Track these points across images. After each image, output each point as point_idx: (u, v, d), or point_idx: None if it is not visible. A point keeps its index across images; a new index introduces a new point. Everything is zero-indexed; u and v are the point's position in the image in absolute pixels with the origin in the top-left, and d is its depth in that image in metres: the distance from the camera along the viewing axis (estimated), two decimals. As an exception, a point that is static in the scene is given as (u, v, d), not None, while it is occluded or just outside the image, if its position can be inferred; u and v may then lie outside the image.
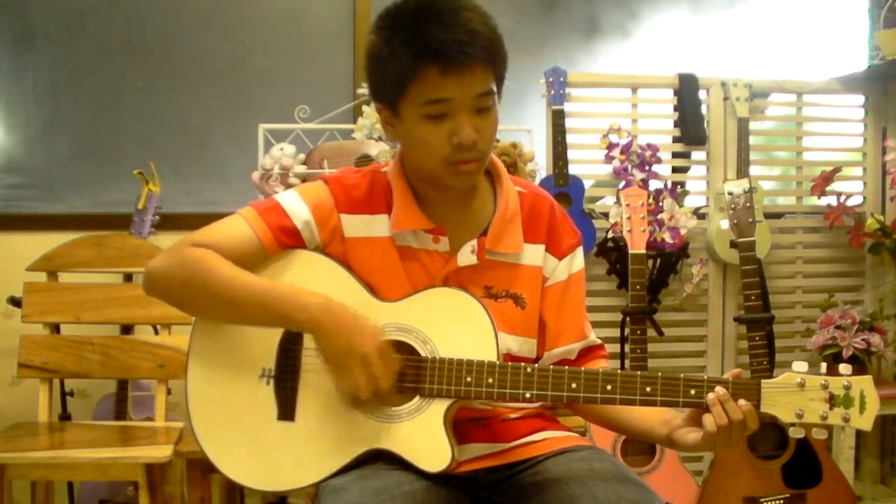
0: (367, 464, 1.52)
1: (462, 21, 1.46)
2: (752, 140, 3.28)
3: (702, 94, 3.31)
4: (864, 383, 1.43)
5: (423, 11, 1.47)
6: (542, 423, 1.69)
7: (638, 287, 2.83)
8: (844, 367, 1.44)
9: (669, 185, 3.20)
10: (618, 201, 3.01)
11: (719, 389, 1.44)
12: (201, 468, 2.50)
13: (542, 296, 1.67)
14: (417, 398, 1.52)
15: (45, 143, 3.43)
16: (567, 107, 3.19)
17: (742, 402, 1.44)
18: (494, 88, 1.52)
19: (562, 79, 3.15)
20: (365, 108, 3.09)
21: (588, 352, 1.71)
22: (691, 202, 3.34)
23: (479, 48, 1.46)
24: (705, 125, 3.31)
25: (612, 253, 3.18)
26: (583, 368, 1.52)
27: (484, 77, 1.49)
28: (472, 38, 1.45)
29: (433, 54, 1.44)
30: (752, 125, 3.31)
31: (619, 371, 1.50)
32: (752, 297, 2.80)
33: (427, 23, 1.45)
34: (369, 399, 1.47)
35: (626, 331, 2.92)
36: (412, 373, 1.51)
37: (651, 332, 3.04)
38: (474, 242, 1.61)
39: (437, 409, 1.51)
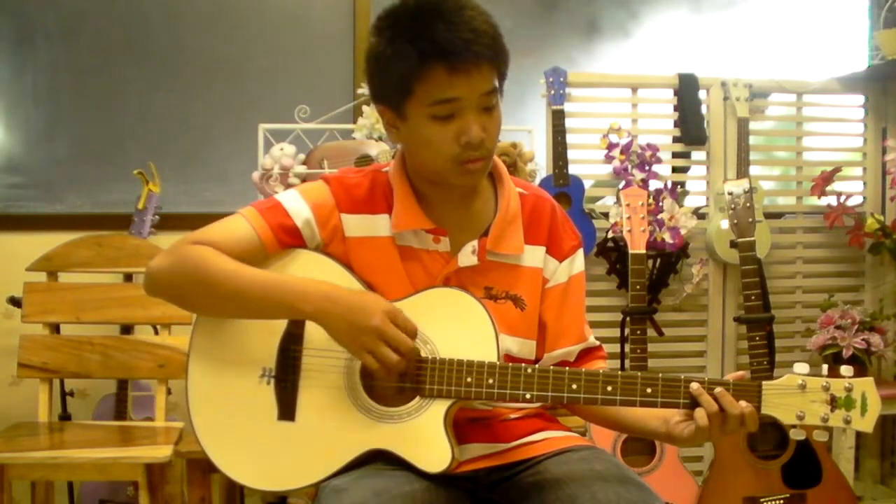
0: (367, 464, 1.52)
1: (466, 19, 1.45)
2: (752, 140, 3.28)
3: (702, 94, 3.31)
4: (866, 385, 1.43)
5: (427, 11, 1.46)
6: (542, 423, 1.69)
7: (638, 287, 2.83)
8: (846, 369, 1.44)
9: (669, 185, 3.20)
10: (618, 201, 3.01)
11: (718, 389, 1.44)
12: (201, 468, 2.50)
13: (542, 297, 1.67)
14: (417, 398, 1.52)
15: (45, 143, 3.43)
16: (567, 107, 3.19)
17: (743, 403, 1.44)
18: (498, 86, 1.52)
19: (562, 79, 3.15)
20: (365, 108, 3.09)
21: (586, 353, 1.71)
22: (691, 202, 3.34)
23: (485, 46, 1.46)
24: (705, 125, 3.31)
25: (612, 253, 3.18)
26: (583, 369, 1.52)
27: (489, 75, 1.49)
28: (477, 37, 1.45)
29: (440, 54, 1.44)
30: (752, 125, 3.30)
31: (619, 372, 1.50)
32: (752, 297, 2.80)
33: (432, 22, 1.45)
34: (401, 363, 1.46)
35: (626, 331, 2.92)
36: (413, 373, 1.51)
37: (651, 332, 3.04)
38: (475, 243, 1.61)
39: (437, 410, 1.51)
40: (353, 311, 1.47)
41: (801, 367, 1.46)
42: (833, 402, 1.43)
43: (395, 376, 1.50)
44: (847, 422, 1.43)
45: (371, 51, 1.53)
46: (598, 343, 1.74)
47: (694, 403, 1.45)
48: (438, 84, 1.46)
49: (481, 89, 1.49)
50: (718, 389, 1.44)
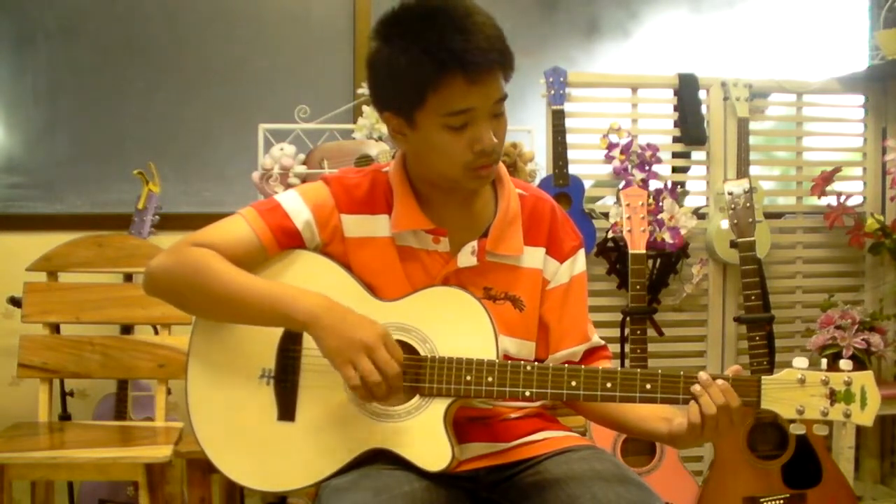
0: (367, 464, 1.52)
1: (479, 27, 1.44)
2: (752, 140, 3.28)
3: (702, 94, 3.31)
4: (865, 379, 1.43)
5: (438, 18, 1.44)
6: (543, 422, 1.69)
7: (638, 287, 2.83)
8: (845, 363, 1.44)
9: (669, 185, 3.20)
10: (618, 201, 3.01)
11: (702, 375, 1.43)
12: (201, 468, 2.50)
13: (544, 298, 1.66)
14: (417, 397, 1.52)
15: (45, 143, 3.43)
16: (567, 107, 3.19)
17: (720, 381, 1.43)
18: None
19: (562, 79, 3.15)
20: (365, 108, 3.09)
21: (591, 353, 1.71)
22: (691, 202, 3.34)
23: (498, 53, 1.46)
24: (705, 125, 3.31)
25: (612, 253, 3.18)
26: (582, 366, 1.52)
27: (500, 82, 1.49)
28: (490, 45, 1.44)
29: (458, 63, 1.42)
30: (752, 125, 3.30)
31: (618, 369, 1.49)
32: (752, 297, 2.80)
33: (445, 30, 1.42)
34: (378, 385, 1.43)
35: (626, 331, 2.92)
36: (412, 372, 1.51)
37: (651, 332, 3.03)
38: (475, 244, 1.61)
39: (437, 409, 1.51)
40: (346, 325, 1.45)
41: (801, 362, 1.46)
42: (832, 396, 1.43)
43: (372, 401, 1.47)
44: (847, 415, 1.43)
45: (376, 58, 1.50)
46: (602, 343, 1.73)
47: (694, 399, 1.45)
48: (455, 94, 1.44)
49: (494, 97, 1.49)
50: (704, 377, 1.43)
